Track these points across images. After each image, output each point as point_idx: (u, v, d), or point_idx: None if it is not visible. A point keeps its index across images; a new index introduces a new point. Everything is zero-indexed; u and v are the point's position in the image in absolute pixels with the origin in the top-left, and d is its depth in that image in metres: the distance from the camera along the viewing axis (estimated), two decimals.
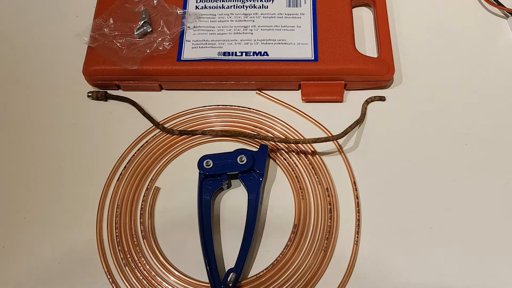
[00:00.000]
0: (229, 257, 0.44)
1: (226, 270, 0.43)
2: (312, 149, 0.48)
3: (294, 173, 0.47)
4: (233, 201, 0.47)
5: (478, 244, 0.44)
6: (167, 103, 0.52)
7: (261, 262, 0.44)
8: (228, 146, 0.49)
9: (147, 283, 0.43)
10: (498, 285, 0.42)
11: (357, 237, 0.44)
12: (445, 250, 0.44)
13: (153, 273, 0.44)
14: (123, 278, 0.44)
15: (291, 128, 0.50)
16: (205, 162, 0.46)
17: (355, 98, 0.51)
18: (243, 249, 0.43)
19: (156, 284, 0.43)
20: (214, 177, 0.46)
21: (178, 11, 0.53)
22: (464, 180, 0.47)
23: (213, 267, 0.43)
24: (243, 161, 0.45)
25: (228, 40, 0.51)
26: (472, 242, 0.44)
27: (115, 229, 0.46)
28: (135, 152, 0.49)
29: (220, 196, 0.47)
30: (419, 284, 0.42)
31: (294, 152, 0.48)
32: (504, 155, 0.48)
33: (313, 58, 0.50)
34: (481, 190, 0.46)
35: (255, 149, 0.48)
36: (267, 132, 0.49)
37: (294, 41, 0.51)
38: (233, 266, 0.43)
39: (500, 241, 0.44)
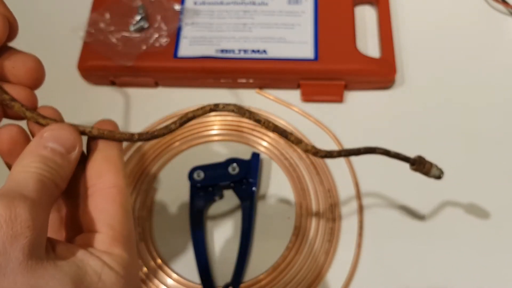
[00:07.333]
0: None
1: (223, 285, 0.42)
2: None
3: (295, 174, 0.47)
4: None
5: (485, 246, 0.43)
6: (162, 101, 0.51)
7: (260, 265, 0.43)
8: (227, 146, 0.48)
9: (145, 286, 0.42)
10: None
11: (360, 239, 0.44)
12: (451, 253, 0.43)
13: (151, 275, 0.43)
14: None
15: (291, 128, 0.49)
16: (196, 173, 0.44)
17: (355, 98, 0.50)
18: (239, 263, 0.42)
19: (154, 287, 0.42)
20: (205, 188, 0.44)
21: (176, 7, 0.51)
22: (469, 181, 0.46)
23: (209, 283, 0.42)
24: (235, 170, 0.44)
25: (227, 37, 0.50)
26: (479, 244, 0.43)
27: None
28: (132, 153, 0.48)
29: (213, 207, 0.46)
30: None
31: (295, 152, 0.48)
32: (509, 156, 0.47)
33: (313, 57, 0.49)
34: (487, 191, 0.45)
35: (255, 149, 0.47)
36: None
37: (294, 40, 0.50)
38: (229, 270, 0.42)
39: (507, 243, 0.43)
